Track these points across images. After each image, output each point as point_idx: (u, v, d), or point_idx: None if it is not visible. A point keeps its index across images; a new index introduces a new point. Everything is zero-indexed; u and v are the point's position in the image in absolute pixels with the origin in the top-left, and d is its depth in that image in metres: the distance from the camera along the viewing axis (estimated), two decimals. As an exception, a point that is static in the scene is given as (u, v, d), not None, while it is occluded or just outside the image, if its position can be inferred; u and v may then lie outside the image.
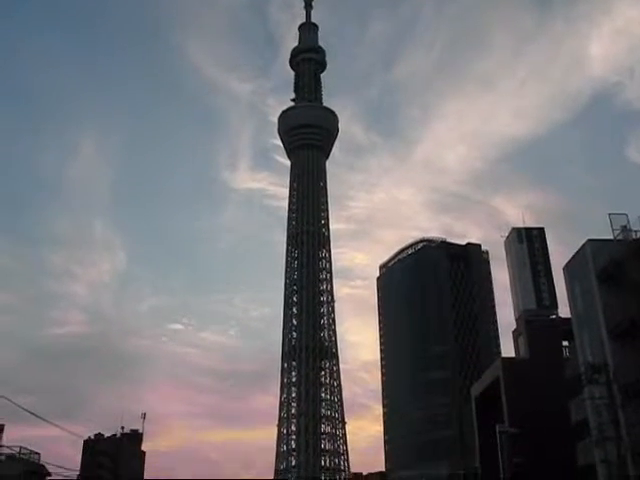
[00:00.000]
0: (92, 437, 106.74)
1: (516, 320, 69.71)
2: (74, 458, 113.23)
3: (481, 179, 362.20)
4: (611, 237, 39.22)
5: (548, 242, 71.91)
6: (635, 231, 39.25)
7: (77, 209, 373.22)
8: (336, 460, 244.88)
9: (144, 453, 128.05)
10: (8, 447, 49.56)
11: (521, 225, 74.63)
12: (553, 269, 68.38)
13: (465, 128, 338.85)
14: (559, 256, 48.46)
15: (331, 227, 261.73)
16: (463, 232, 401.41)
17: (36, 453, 48.00)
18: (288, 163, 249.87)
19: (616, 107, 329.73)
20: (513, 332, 68.89)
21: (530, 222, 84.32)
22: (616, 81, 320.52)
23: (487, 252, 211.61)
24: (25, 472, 45.39)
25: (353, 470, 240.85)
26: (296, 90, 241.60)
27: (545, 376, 51.13)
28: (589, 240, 40.01)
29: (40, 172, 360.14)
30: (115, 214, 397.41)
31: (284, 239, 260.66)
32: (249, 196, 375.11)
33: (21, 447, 47.16)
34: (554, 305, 67.97)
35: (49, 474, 48.63)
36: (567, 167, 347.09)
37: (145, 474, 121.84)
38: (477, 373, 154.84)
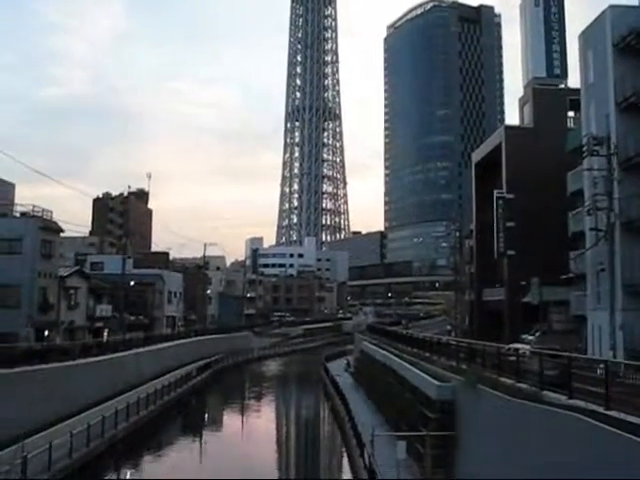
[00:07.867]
0: (100, 196, 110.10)
1: (524, 88, 68.46)
2: (84, 217, 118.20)
3: None
4: (637, 4, 37.00)
5: (567, 6, 68.34)
6: (662, -2, 36.93)
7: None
8: (336, 219, 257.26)
9: (151, 211, 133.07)
10: (21, 205, 51.45)
11: (539, -14, 70.37)
12: (568, 37, 65.71)
13: None
14: (577, 22, 45.90)
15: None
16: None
17: (48, 211, 49.68)
18: None
19: None
20: (519, 100, 67.88)
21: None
22: None
23: (500, 15, 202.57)
24: (40, 228, 47.33)
25: (353, 229, 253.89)
26: None
27: (547, 146, 51.29)
28: (611, 6, 37.68)
29: None
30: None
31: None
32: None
33: (34, 205, 48.71)
34: (564, 74, 66.43)
35: (62, 230, 50.80)
36: None
37: (153, 231, 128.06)
38: (479, 139, 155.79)
